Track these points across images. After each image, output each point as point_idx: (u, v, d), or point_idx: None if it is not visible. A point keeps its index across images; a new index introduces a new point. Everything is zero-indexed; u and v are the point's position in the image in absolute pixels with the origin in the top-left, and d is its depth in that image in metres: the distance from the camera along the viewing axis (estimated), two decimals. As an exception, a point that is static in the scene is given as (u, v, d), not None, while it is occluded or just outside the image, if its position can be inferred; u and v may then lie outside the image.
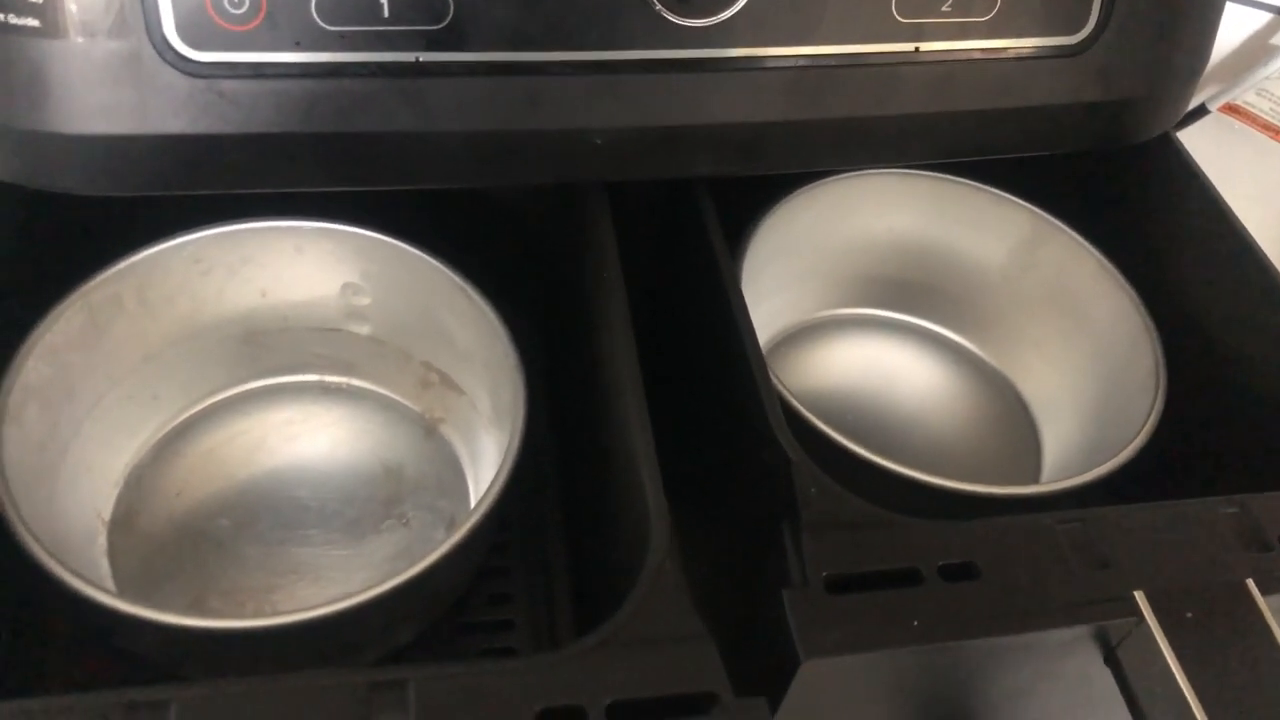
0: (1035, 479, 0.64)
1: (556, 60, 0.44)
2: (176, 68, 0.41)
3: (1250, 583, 0.40)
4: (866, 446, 0.50)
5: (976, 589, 0.39)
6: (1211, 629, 0.39)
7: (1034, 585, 0.39)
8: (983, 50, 0.50)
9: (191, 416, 0.59)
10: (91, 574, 0.52)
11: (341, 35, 0.42)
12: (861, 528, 0.40)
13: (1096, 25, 0.51)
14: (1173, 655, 0.38)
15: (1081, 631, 0.39)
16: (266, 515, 0.56)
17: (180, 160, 0.43)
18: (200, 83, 0.42)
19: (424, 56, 0.43)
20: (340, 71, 0.43)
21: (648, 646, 0.36)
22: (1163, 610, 0.39)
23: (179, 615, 0.42)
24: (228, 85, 0.42)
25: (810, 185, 0.61)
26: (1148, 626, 0.39)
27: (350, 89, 0.43)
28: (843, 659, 0.37)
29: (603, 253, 0.49)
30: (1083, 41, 0.51)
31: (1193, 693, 0.38)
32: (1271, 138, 0.86)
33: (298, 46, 0.42)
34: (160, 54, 0.41)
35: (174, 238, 0.54)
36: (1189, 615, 0.39)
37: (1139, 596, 0.39)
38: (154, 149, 0.42)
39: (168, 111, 0.42)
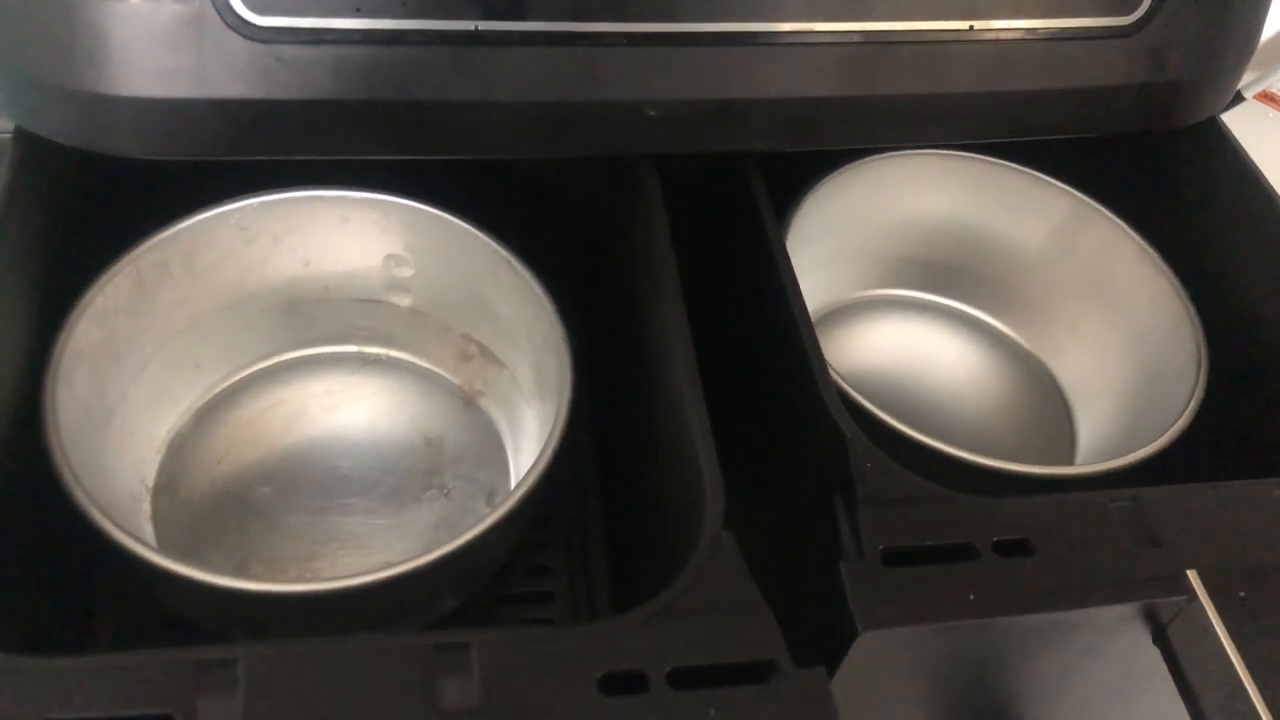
0: (1069, 464, 0.64)
1: (613, 31, 0.44)
2: (238, 31, 0.41)
3: (1302, 562, 0.41)
4: (907, 425, 0.50)
5: (1031, 565, 0.39)
6: (1264, 608, 0.39)
7: (1087, 562, 0.39)
8: (1036, 29, 0.50)
9: (233, 385, 0.59)
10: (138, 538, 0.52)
11: (402, 2, 0.42)
12: (916, 502, 0.40)
13: (1150, 6, 0.51)
14: (1225, 634, 0.39)
15: (1132, 609, 0.40)
16: (307, 484, 0.57)
17: (237, 125, 0.43)
18: (260, 47, 0.42)
19: (482, 25, 0.43)
20: (399, 39, 0.43)
21: (707, 615, 0.36)
22: (1215, 589, 0.39)
23: (232, 578, 0.42)
24: (287, 50, 0.42)
25: (850, 165, 0.61)
26: (1200, 605, 0.39)
27: (408, 57, 0.43)
28: (899, 631, 0.37)
29: (653, 226, 0.49)
30: (1136, 22, 0.51)
31: (1246, 671, 0.38)
32: (1306, 126, 0.85)
33: (358, 13, 0.42)
34: (222, 17, 0.41)
35: (221, 205, 0.54)
36: (1241, 594, 0.40)
37: (1191, 575, 0.40)
38: (211, 113, 0.42)
39: (227, 76, 0.42)
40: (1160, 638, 0.41)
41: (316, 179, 0.55)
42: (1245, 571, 0.40)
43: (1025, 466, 0.50)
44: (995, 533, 0.40)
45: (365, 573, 0.43)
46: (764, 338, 0.51)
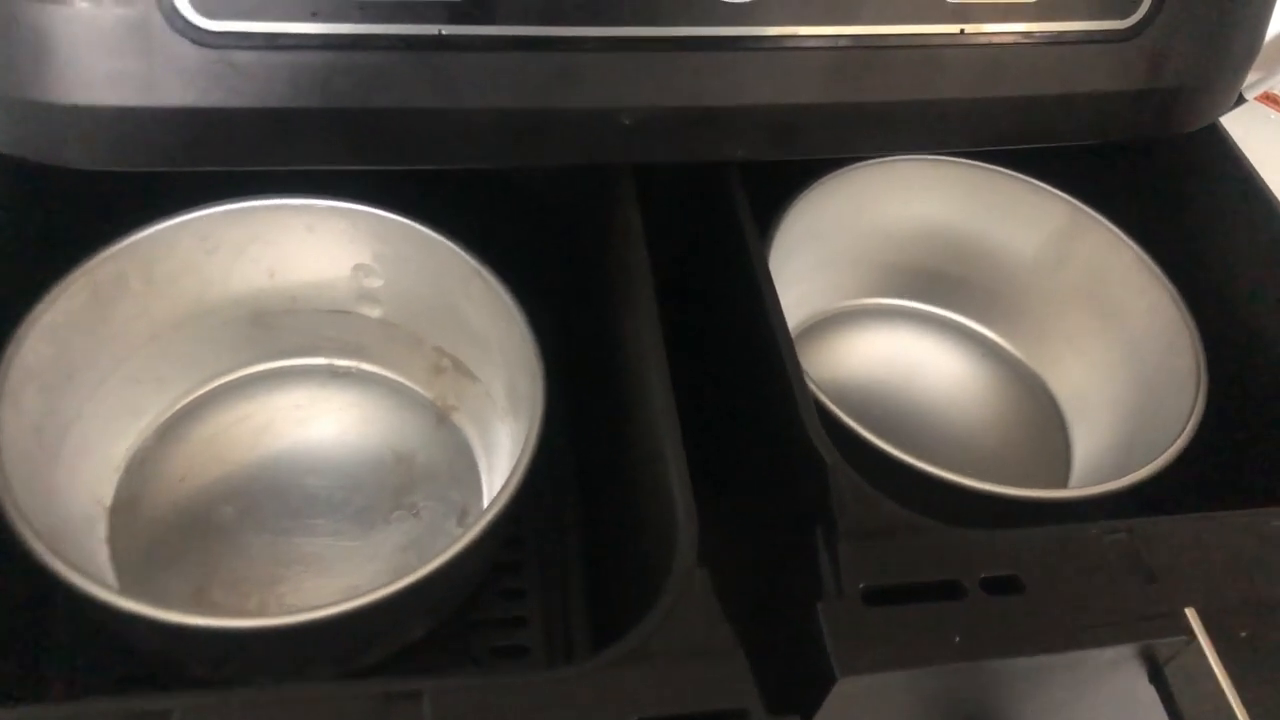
0: (1064, 481, 0.62)
1: (587, 36, 0.42)
2: (186, 36, 0.39)
3: (1306, 599, 0.39)
4: (893, 444, 0.48)
5: (1020, 603, 0.37)
6: (1267, 648, 0.37)
7: (1080, 600, 0.37)
8: (1030, 33, 0.47)
9: (197, 399, 0.57)
10: (90, 563, 0.50)
11: (361, 6, 0.40)
12: (900, 536, 0.38)
13: (1150, 9, 0.49)
14: (1225, 676, 0.37)
15: (1128, 649, 0.38)
16: (272, 503, 0.55)
17: (189, 135, 0.41)
18: (211, 53, 0.40)
19: (447, 29, 0.41)
20: (359, 44, 0.41)
21: (674, 659, 0.34)
22: (1215, 628, 0.37)
23: (182, 613, 0.40)
24: (240, 56, 0.40)
25: (839, 171, 0.59)
26: (1199, 645, 0.37)
27: (369, 62, 0.41)
28: (880, 676, 0.35)
29: (629, 239, 0.47)
30: (1134, 26, 0.49)
31: (1247, 715, 0.36)
32: (1309, 129, 0.83)
33: (315, 17, 0.40)
34: (169, 22, 0.39)
35: (181, 214, 0.51)
36: (1243, 634, 0.38)
37: (1190, 613, 0.38)
38: (161, 122, 0.40)
39: (177, 83, 0.40)
40: (1157, 677, 0.39)
41: (283, 186, 0.52)
42: (1246, 609, 0.38)
43: (1017, 490, 0.48)
44: (983, 568, 0.38)
45: (321, 606, 0.41)
46: (744, 355, 0.49)
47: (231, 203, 0.52)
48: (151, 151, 0.41)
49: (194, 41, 0.39)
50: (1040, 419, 0.65)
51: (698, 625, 0.35)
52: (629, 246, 0.46)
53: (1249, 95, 0.81)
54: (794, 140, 0.47)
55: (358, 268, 0.56)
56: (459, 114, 0.42)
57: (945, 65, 0.47)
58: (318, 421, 0.58)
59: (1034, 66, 0.48)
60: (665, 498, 0.39)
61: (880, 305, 0.68)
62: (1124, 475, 0.50)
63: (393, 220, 0.53)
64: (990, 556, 0.38)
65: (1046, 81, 0.48)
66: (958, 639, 0.36)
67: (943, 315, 0.68)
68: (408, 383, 0.60)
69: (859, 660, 0.35)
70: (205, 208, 0.52)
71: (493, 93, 0.42)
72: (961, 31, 0.46)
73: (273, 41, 0.40)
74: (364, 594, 0.41)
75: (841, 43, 0.45)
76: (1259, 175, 0.55)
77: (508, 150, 0.44)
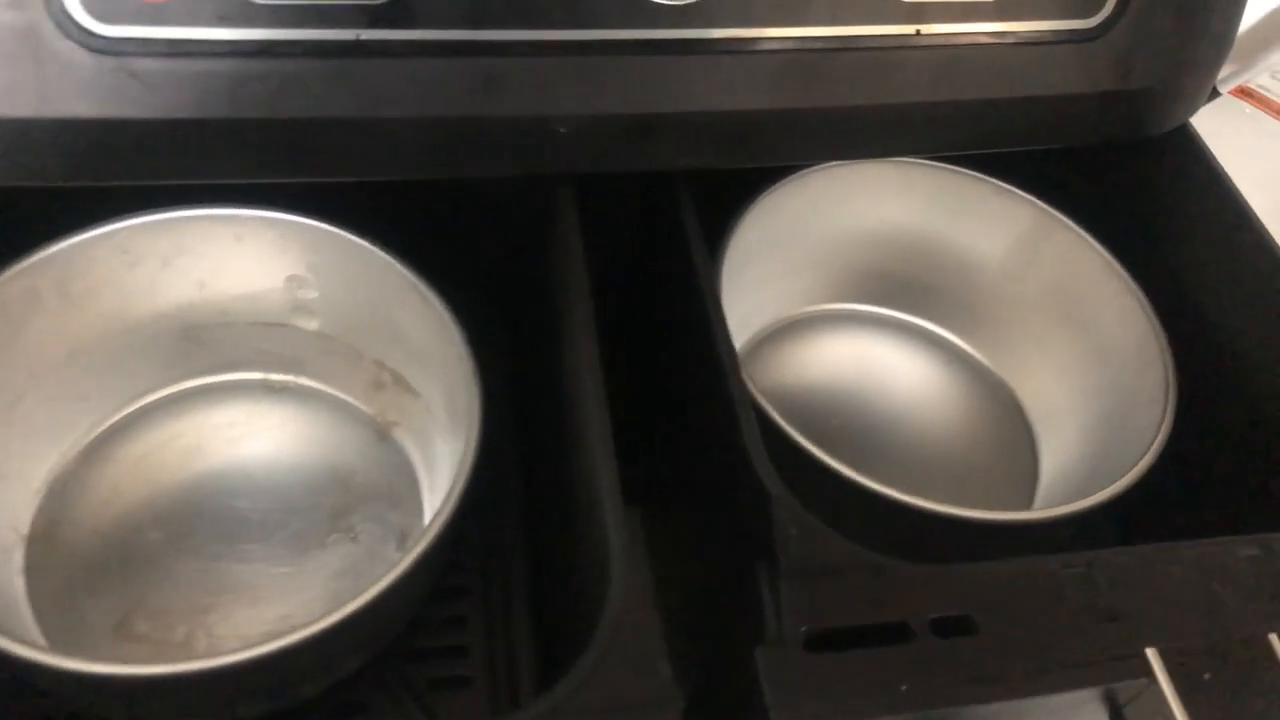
0: (1031, 492, 0.60)
1: (515, 40, 0.39)
2: (81, 44, 0.37)
3: (1273, 637, 0.37)
4: (853, 456, 0.46)
5: (972, 646, 0.35)
6: (1231, 691, 0.35)
7: (1035, 641, 0.35)
8: (990, 34, 0.45)
9: (123, 418, 0.55)
10: (4, 595, 0.48)
11: (271, 10, 0.38)
12: (846, 574, 0.36)
13: (1114, 9, 0.46)
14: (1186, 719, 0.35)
15: (1087, 693, 0.36)
16: (203, 527, 0.52)
17: (88, 147, 0.38)
18: (109, 61, 0.37)
19: (365, 34, 0.38)
20: (270, 50, 0.38)
21: (604, 713, 0.32)
22: (1177, 670, 0.35)
23: (87, 662, 0.38)
24: (141, 64, 0.37)
25: (798, 174, 0.56)
26: (1159, 688, 0.35)
27: (281, 70, 0.38)
28: (823, 729, 0.33)
29: (568, 253, 0.44)
30: (1099, 26, 0.46)
31: (1209, 764, 0.34)
32: (1285, 123, 0.81)
33: (221, 21, 0.37)
34: (61, 27, 0.36)
35: (99, 226, 0.49)
36: (1206, 676, 0.36)
37: (1151, 654, 0.36)
38: (57, 134, 0.37)
39: (72, 93, 0.37)
40: (1117, 717, 0.37)
41: (210, 195, 0.50)
42: (1211, 649, 0.36)
43: (978, 512, 0.46)
44: (933, 608, 0.35)
45: (239, 650, 0.39)
46: (690, 378, 0.46)
47: (154, 214, 0.50)
48: (48, 166, 0.38)
49: (88, 49, 0.36)
50: (1007, 427, 0.63)
51: (628, 676, 0.33)
52: (568, 261, 0.44)
53: (1223, 89, 0.79)
54: (741, 148, 0.44)
55: (291, 279, 0.53)
56: (380, 124, 0.39)
57: (900, 68, 0.44)
58: (252, 440, 0.55)
59: (994, 68, 0.45)
60: (600, 535, 0.37)
61: (844, 310, 0.66)
62: (1093, 487, 0.48)
63: (324, 230, 0.50)
64: (940, 596, 0.36)
65: (1007, 84, 0.46)
66: (905, 687, 0.33)
67: (908, 320, 0.66)
68: (347, 398, 0.57)
69: (798, 712, 0.33)
70: (125, 219, 0.49)
71: (415, 101, 0.39)
72: (917, 32, 0.44)
73: (175, 48, 0.37)
74: (291, 631, 0.39)
75: (789, 45, 0.43)
76: (1229, 177, 0.53)
77: (434, 161, 0.41)
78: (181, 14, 0.37)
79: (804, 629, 0.34)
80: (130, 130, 0.38)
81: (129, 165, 0.39)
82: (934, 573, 0.37)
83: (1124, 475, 0.48)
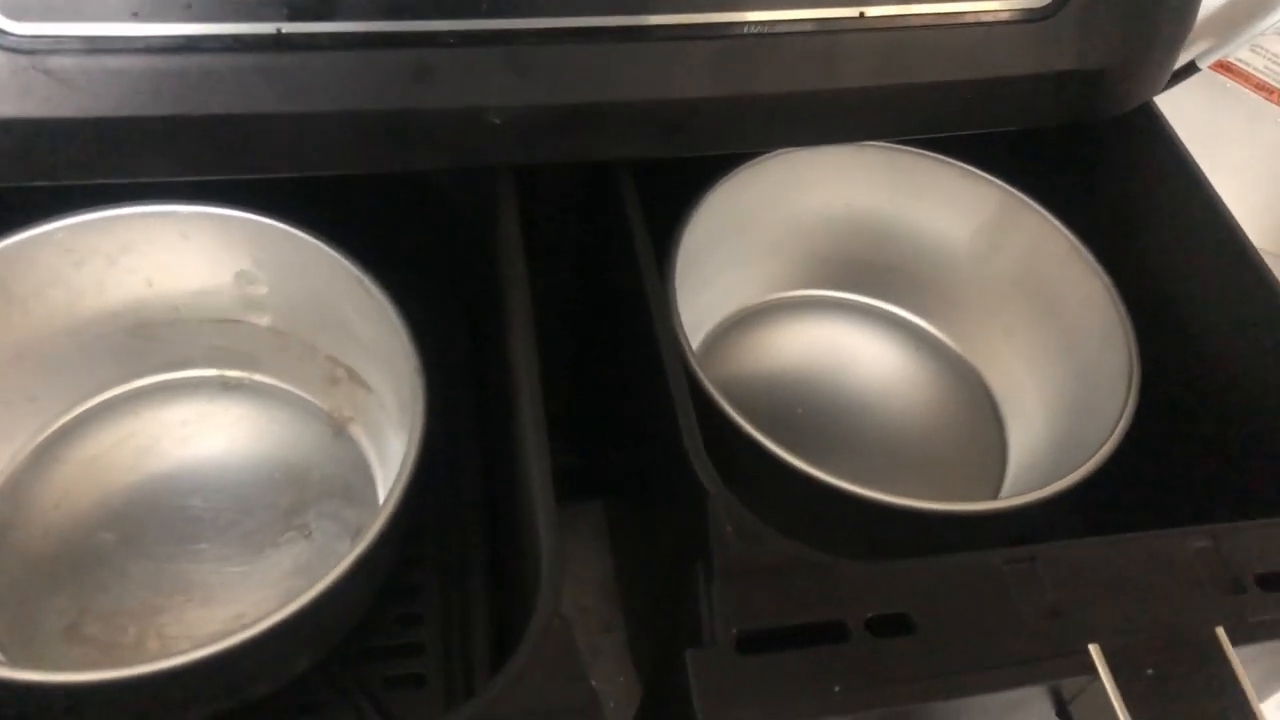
0: (999, 478, 0.59)
1: (441, 30, 0.39)
2: (-8, 42, 0.36)
3: (1220, 631, 0.36)
4: (818, 443, 0.45)
5: (909, 646, 0.34)
6: (1175, 686, 0.35)
7: (975, 639, 0.35)
8: (938, 15, 0.44)
9: (74, 419, 0.54)
10: (-48, 599, 0.47)
11: (188, 5, 0.37)
12: (782, 572, 0.35)
13: (1068, -15, 0.45)
14: (1127, 717, 0.34)
15: (1030, 690, 0.35)
16: (155, 528, 0.51)
17: (7, 148, 0.37)
18: (22, 59, 0.36)
19: (286, 27, 0.38)
20: (189, 46, 0.37)
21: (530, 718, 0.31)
22: (1119, 666, 0.35)
23: (23, 670, 0.37)
24: (56, 62, 0.36)
25: (756, 160, 0.55)
26: (1102, 684, 0.35)
27: (201, 66, 0.37)
28: (752, 733, 0.32)
29: (508, 245, 0.43)
30: (1051, 4, 0.45)
31: (1150, 761, 0.33)
32: (1266, 98, 0.80)
33: (136, 17, 0.36)
34: (-30, 26, 0.35)
35: (37, 226, 0.48)
36: (1149, 671, 0.35)
37: (1094, 650, 0.35)
38: (-29, 136, 0.37)
39: (-15, 93, 0.36)
40: (1063, 714, 0.36)
41: (150, 193, 0.49)
42: (1155, 644, 0.35)
43: (933, 503, 0.45)
44: (871, 606, 0.35)
45: (180, 652, 0.38)
46: (636, 369, 0.46)
47: (96, 211, 0.49)
48: (-35, 168, 0.38)
49: (1, 47, 0.36)
50: (975, 413, 0.62)
51: (556, 682, 0.32)
52: (508, 253, 0.43)
53: (1202, 64, 0.78)
54: (682, 137, 0.43)
55: (240, 274, 0.53)
56: (305, 118, 0.39)
57: (845, 51, 0.43)
58: (206, 438, 0.55)
59: (943, 50, 0.44)
60: (532, 536, 0.36)
61: (808, 297, 0.65)
62: (1060, 474, 0.47)
63: (268, 225, 0.50)
64: (878, 593, 0.35)
65: (958, 66, 0.45)
66: (838, 689, 0.33)
67: (873, 305, 0.65)
68: (302, 394, 0.56)
69: (727, 716, 0.32)
70: (66, 217, 0.48)
71: (341, 94, 0.38)
72: (861, 15, 0.43)
73: (92, 45, 0.36)
74: (238, 631, 0.39)
75: (730, 30, 0.42)
76: (1193, 159, 0.51)
77: (364, 155, 0.40)
78: (95, 10, 0.36)
79: (735, 630, 0.34)
80: (49, 130, 0.37)
81: (50, 165, 0.38)
82: (872, 570, 0.36)
83: (1084, 464, 0.48)
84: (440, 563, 0.53)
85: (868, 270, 0.64)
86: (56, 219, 0.48)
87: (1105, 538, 0.38)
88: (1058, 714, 0.37)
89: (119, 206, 0.49)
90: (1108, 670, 0.34)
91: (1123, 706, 0.34)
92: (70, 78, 0.36)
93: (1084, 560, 0.37)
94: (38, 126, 0.37)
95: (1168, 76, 0.51)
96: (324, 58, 0.38)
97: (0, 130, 0.37)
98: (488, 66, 0.40)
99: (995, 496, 0.58)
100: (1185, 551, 0.38)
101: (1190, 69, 0.78)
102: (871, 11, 0.43)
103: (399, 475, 0.43)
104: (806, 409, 0.61)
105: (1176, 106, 0.56)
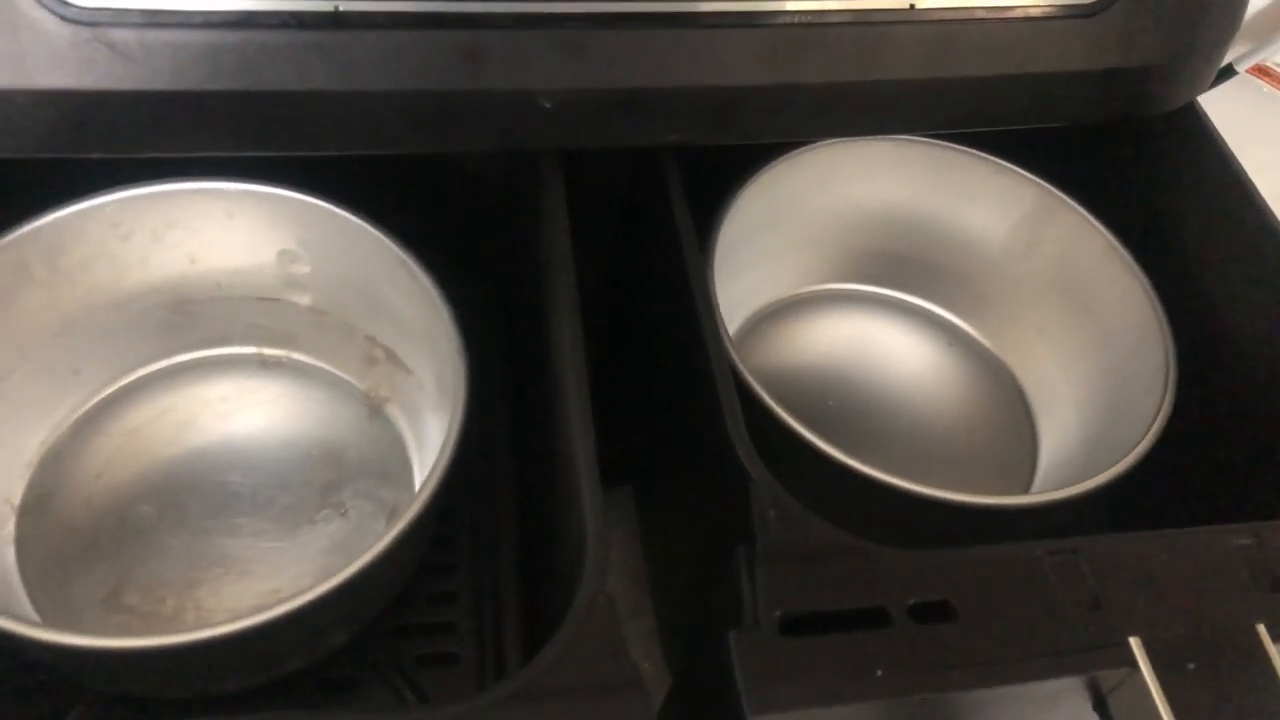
0: (1029, 475, 0.59)
1: (497, 12, 0.39)
2: (56, 14, 0.36)
3: (1261, 628, 0.36)
4: (849, 437, 0.45)
5: (951, 633, 0.34)
6: (1215, 682, 0.35)
7: (1016, 629, 0.35)
8: (987, 9, 0.44)
9: (116, 391, 0.55)
10: (-5, 565, 0.48)
11: (248, -21, 0.37)
12: (825, 557, 0.36)
13: (1118, -18, 0.45)
14: (1169, 712, 0.34)
15: (1068, 681, 0.35)
16: (193, 501, 0.52)
17: (64, 119, 0.38)
18: (84, 31, 0.36)
19: (344, 5, 0.38)
20: (247, 21, 0.37)
21: (574, 695, 0.32)
22: (1160, 660, 0.35)
23: (66, 633, 0.38)
24: (118, 35, 0.37)
25: (796, 151, 0.55)
26: (1142, 677, 0.35)
27: (259, 41, 0.38)
28: (795, 715, 0.32)
29: (554, 228, 0.44)
30: (1099, 1, 0.45)
31: (1190, 755, 0.33)
32: (1303, 103, 0.80)
33: (198, -9, 0.37)
34: (36, -3, 0.36)
35: (88, 199, 0.49)
36: (1190, 666, 0.35)
37: (1134, 643, 0.35)
38: (32, 105, 0.37)
39: (47, 64, 0.37)
40: (1101, 707, 0.36)
41: (198, 169, 0.49)
42: (1196, 639, 0.35)
43: (968, 496, 0.45)
44: (913, 593, 0.35)
45: (224, 622, 0.39)
46: (677, 354, 0.46)
47: (143, 186, 0.49)
48: (27, 137, 0.38)
49: (64, 18, 0.36)
50: (1007, 410, 0.62)
51: (599, 659, 0.33)
52: (554, 237, 0.43)
53: (1240, 68, 0.78)
54: (730, 125, 0.44)
55: (283, 253, 0.53)
56: (359, 97, 0.39)
57: (894, 43, 0.43)
58: (244, 414, 0.55)
59: (991, 44, 0.44)
60: (578, 515, 0.36)
61: (841, 291, 0.65)
62: (1091, 473, 0.47)
63: (314, 205, 0.50)
64: (920, 580, 0.35)
65: (1004, 60, 0.45)
66: (880, 673, 0.33)
67: (907, 301, 0.65)
68: (340, 373, 0.57)
69: (772, 698, 0.32)
70: (114, 192, 0.49)
71: (395, 74, 0.39)
72: (911, 7, 0.43)
73: (152, 19, 0.37)
74: (275, 604, 0.39)
75: (780, 19, 0.42)
76: (1236, 159, 0.51)
77: (415, 135, 0.41)
78: (158, -16, 0.36)
79: (779, 613, 0.34)
80: (107, 102, 0.38)
81: (106, 138, 0.39)
82: (914, 558, 0.36)
83: (1120, 460, 0.48)
84: (473, 543, 0.54)
85: (901, 265, 0.64)
86: (105, 193, 0.49)
87: (1147, 532, 0.38)
88: (1095, 707, 0.37)
89: (167, 182, 0.50)
90: (1148, 663, 0.35)
91: (1163, 700, 0.34)
92: (130, 51, 0.37)
93: (1125, 554, 0.37)
94: (96, 99, 0.37)
95: (1213, 75, 0.51)
96: (379, 36, 0.38)
97: (60, 101, 0.37)
98: (539, 49, 0.40)
99: (1025, 493, 0.58)
100: (1227, 548, 0.38)
101: (1227, 72, 0.77)
102: (922, 4, 0.43)
103: (440, 455, 0.44)
104: (837, 402, 0.61)
105: (1213, 109, 0.56)
